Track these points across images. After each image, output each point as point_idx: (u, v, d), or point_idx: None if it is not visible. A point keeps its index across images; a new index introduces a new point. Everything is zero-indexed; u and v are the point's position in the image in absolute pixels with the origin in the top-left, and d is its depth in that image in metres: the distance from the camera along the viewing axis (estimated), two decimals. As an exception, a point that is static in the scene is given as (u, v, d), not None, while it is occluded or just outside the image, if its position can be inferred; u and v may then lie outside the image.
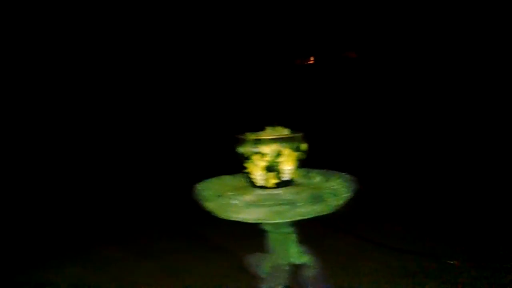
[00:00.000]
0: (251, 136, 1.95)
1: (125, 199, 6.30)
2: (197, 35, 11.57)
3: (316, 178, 2.25)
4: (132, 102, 10.30)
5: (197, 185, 2.01)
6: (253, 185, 2.03)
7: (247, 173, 2.01)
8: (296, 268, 2.19)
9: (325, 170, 2.26)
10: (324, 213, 1.89)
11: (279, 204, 1.73)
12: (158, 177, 7.31)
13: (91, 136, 9.13)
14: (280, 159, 1.94)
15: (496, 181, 6.76)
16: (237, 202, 1.73)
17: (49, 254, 4.40)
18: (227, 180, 2.17)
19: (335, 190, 1.93)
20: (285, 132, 2.01)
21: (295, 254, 2.08)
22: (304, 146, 2.03)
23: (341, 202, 1.91)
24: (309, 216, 1.88)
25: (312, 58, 15.33)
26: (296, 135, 1.99)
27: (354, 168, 2.47)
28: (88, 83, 10.06)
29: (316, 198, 1.78)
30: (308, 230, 2.12)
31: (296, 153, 1.98)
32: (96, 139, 9.12)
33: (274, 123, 2.01)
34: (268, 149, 1.92)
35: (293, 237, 2.08)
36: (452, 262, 3.88)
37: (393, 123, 10.43)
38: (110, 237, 4.81)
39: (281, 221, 1.87)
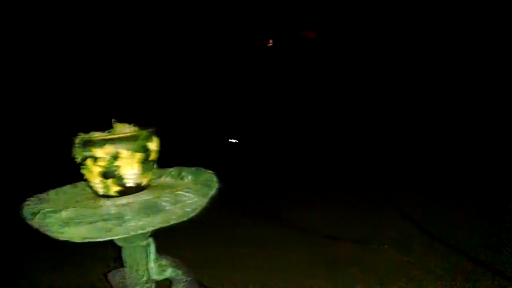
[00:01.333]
0: (82, 138, 1.64)
1: None
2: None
3: (188, 178, 1.97)
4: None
5: (28, 200, 1.69)
6: (97, 194, 1.74)
7: (86, 181, 1.71)
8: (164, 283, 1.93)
9: (196, 168, 1.99)
10: (172, 223, 1.62)
11: (103, 220, 1.44)
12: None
13: None
14: (119, 162, 1.64)
15: (422, 162, 6.83)
16: (52, 220, 1.43)
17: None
18: (68, 191, 1.87)
19: (192, 192, 1.65)
20: (127, 130, 1.71)
21: (156, 269, 1.81)
22: (153, 144, 1.74)
23: (194, 207, 1.64)
24: (153, 228, 1.61)
25: (271, 41, 14.98)
26: (139, 133, 1.68)
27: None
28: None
29: (150, 208, 1.49)
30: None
31: (140, 154, 1.68)
32: None
33: (115, 119, 1.70)
34: (101, 152, 1.62)
35: (152, 249, 1.81)
36: (381, 246, 3.75)
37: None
38: None
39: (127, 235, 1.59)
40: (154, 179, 2.04)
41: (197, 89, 11.43)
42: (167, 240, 1.96)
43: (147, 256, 1.78)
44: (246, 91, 11.89)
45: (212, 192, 1.72)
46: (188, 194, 1.58)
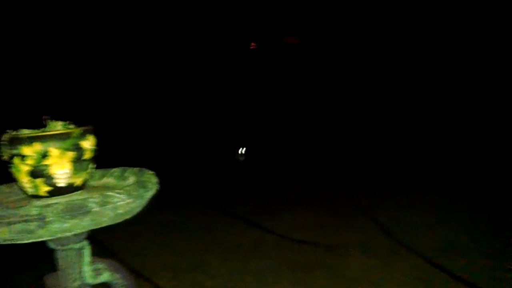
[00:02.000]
0: (9, 135, 1.56)
1: None
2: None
3: (130, 179, 1.90)
4: None
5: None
6: (27, 195, 1.66)
7: (16, 180, 1.63)
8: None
9: (139, 168, 1.92)
10: (105, 225, 1.55)
11: (24, 221, 1.36)
12: None
13: None
14: (48, 161, 1.56)
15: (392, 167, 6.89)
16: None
17: None
18: (1, 191, 1.79)
19: (124, 193, 1.58)
20: (58, 127, 1.63)
21: (90, 272, 1.74)
22: (87, 143, 1.67)
23: (127, 209, 1.58)
24: (81, 231, 1.54)
25: (253, 44, 14.98)
26: (71, 130, 1.61)
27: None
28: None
29: (76, 210, 1.42)
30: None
31: (72, 153, 1.61)
32: None
33: (46, 117, 1.62)
34: (29, 150, 1.54)
35: (87, 252, 1.73)
36: (348, 251, 3.74)
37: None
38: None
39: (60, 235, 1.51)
40: (97, 179, 1.97)
41: (179, 91, 11.33)
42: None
43: (80, 260, 1.70)
44: (228, 93, 11.84)
45: (149, 193, 1.66)
46: (120, 196, 1.51)
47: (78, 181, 1.68)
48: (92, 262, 1.75)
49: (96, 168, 1.85)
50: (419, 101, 9.92)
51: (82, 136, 1.65)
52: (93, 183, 1.90)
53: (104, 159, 1.93)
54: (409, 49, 10.59)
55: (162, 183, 1.78)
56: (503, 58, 9.22)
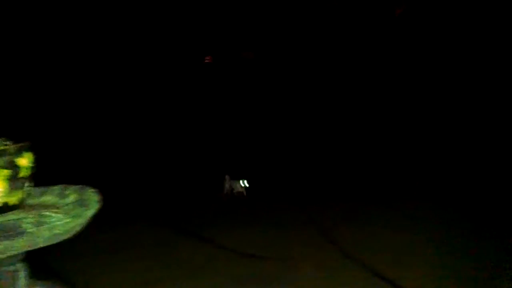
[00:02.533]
0: None
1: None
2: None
3: (70, 197, 1.84)
4: None
5: None
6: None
7: None
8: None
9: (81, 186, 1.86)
10: (42, 246, 1.49)
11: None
12: None
13: None
14: (-22, 180, 1.49)
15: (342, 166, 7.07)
16: None
17: None
18: None
19: (62, 212, 1.53)
20: (-6, 144, 1.56)
21: (26, 296, 1.65)
22: (23, 161, 1.60)
23: (65, 229, 1.53)
24: (15, 252, 1.47)
25: (209, 57, 14.99)
26: (5, 148, 1.55)
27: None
28: None
29: (9, 231, 1.36)
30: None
31: (6, 171, 1.54)
32: None
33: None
34: (-42, 169, 1.46)
35: (22, 275, 1.65)
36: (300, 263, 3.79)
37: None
38: None
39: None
40: (35, 197, 1.89)
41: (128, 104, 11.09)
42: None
43: (15, 283, 1.62)
44: (180, 106, 11.73)
45: (90, 212, 1.62)
46: (56, 215, 1.46)
47: (13, 200, 1.61)
48: (32, 285, 1.67)
49: (40, 185, 1.79)
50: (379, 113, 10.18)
51: (18, 153, 1.59)
52: (31, 201, 1.82)
53: (55, 175, 1.87)
54: (367, 63, 10.96)
55: (111, 199, 1.75)
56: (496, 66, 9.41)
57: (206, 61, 14.67)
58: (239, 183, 6.19)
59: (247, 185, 6.17)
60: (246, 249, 4.19)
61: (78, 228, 1.60)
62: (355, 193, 6.38)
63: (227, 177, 6.31)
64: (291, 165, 8.21)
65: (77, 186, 1.85)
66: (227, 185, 6.22)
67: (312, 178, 7.37)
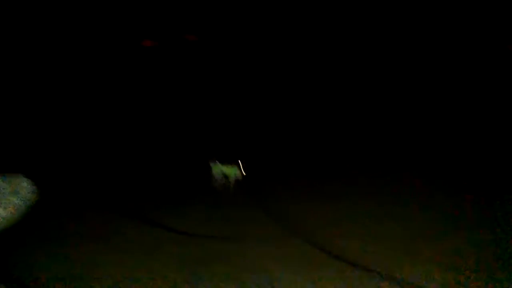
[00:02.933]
0: None
1: None
2: None
3: (3, 187, 1.82)
4: None
5: None
6: None
7: None
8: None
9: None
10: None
11: None
12: None
13: None
14: None
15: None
16: None
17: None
18: None
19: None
20: None
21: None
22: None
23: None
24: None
25: (149, 42, 14.65)
26: None
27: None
28: None
29: None
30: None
31: None
32: None
33: None
34: None
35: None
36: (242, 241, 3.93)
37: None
38: None
39: None
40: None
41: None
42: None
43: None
44: (123, 91, 11.37)
45: (24, 201, 1.61)
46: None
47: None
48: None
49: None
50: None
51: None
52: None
53: None
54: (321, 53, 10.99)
55: (57, 188, 1.74)
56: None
57: (148, 45, 14.32)
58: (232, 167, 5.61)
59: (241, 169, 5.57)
60: (193, 230, 4.28)
61: (11, 217, 1.60)
62: (311, 170, 6.21)
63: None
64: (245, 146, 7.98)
65: (12, 176, 1.83)
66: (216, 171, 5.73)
67: (270, 157, 7.03)
